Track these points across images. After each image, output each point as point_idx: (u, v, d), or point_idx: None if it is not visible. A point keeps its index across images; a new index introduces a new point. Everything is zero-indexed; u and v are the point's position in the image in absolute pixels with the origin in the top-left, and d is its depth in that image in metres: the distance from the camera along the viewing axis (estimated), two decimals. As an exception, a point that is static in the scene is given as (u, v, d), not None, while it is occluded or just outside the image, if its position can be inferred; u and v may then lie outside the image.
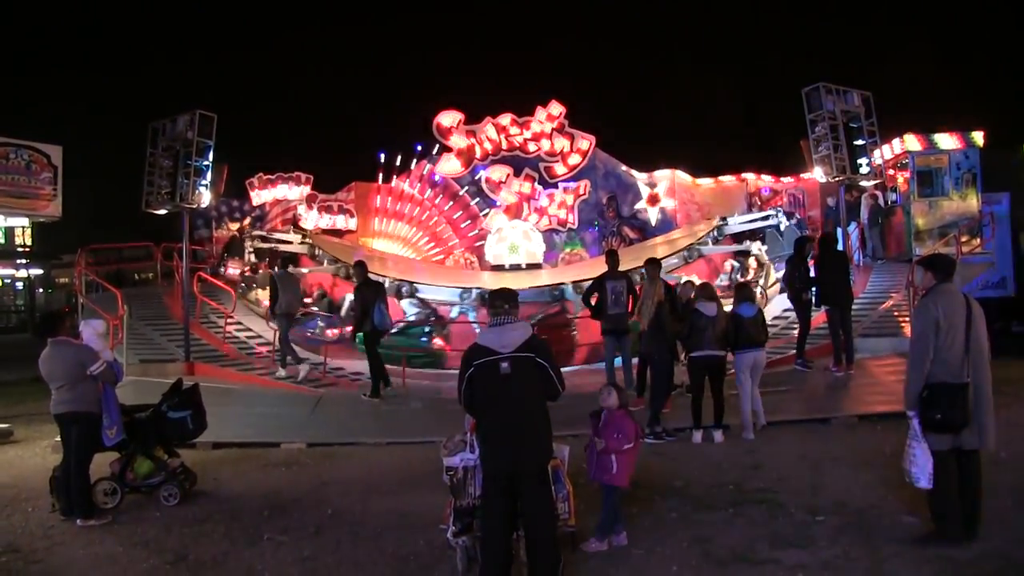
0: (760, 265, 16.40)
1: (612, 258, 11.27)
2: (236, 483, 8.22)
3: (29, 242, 35.95)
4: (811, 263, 11.86)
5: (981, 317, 5.42)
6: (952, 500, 5.31)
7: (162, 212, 13.25)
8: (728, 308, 9.50)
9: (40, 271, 37.63)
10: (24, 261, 35.71)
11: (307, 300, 15.41)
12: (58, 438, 8.10)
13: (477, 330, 14.25)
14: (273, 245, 17.46)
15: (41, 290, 39.05)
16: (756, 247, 15.70)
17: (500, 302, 5.07)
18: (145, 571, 5.74)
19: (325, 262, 16.21)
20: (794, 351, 12.10)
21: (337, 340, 13.94)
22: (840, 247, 12.74)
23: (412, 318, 14.29)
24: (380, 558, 5.75)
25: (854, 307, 11.86)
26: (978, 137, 15.85)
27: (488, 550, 4.91)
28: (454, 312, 14.77)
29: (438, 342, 14.01)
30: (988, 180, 15.90)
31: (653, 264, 10.23)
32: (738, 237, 17.56)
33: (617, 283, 10.81)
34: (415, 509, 6.77)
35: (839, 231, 14.73)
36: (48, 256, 36.98)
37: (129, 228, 24.65)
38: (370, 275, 12.25)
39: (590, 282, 11.49)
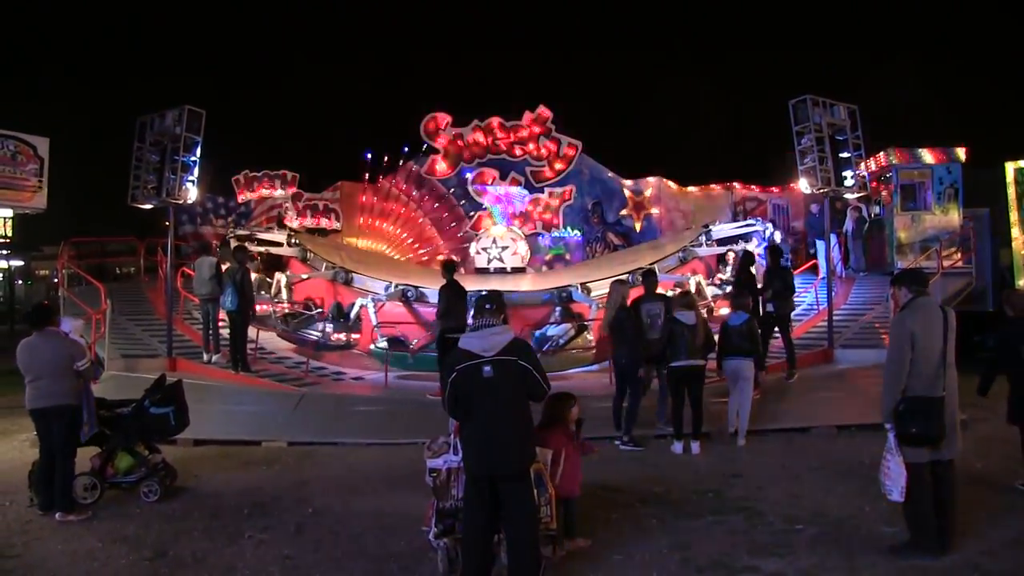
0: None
1: (650, 279, 10.28)
2: (217, 480, 8.20)
3: (9, 233, 35.48)
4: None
5: (954, 329, 5.47)
6: (927, 512, 5.38)
7: (148, 207, 13.17)
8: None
9: (20, 263, 37.20)
10: (4, 252, 35.26)
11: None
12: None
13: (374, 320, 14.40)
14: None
15: (21, 282, 38.60)
16: (696, 280, 15.54)
17: (484, 303, 5.09)
18: (124, 567, 5.72)
19: (287, 244, 16.31)
20: (778, 361, 12.25)
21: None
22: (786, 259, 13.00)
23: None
24: (361, 558, 5.76)
25: (836, 318, 12.02)
26: (961, 153, 16.01)
27: (469, 552, 4.94)
28: (356, 305, 14.69)
29: (340, 336, 14.13)
30: (970, 196, 16.11)
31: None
32: (721, 253, 17.45)
33: (653, 305, 9.91)
34: (396, 510, 6.79)
35: (820, 242, 14.82)
36: (29, 248, 36.55)
37: (113, 222, 24.53)
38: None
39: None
